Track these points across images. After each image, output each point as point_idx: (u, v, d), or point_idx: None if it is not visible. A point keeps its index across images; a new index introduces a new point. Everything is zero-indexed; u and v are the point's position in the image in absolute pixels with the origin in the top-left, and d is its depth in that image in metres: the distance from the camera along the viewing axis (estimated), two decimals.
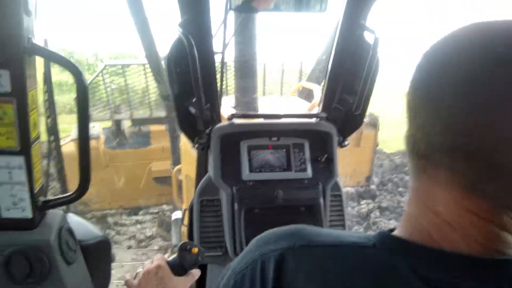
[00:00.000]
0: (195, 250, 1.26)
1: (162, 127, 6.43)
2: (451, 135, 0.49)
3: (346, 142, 1.77)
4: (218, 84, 1.60)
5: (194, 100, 1.49)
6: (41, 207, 1.02)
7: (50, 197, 1.06)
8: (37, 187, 1.01)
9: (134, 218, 6.68)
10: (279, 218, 1.59)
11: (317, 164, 1.69)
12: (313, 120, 1.72)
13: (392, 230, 0.61)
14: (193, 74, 1.36)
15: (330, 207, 1.71)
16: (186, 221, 1.86)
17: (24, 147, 0.95)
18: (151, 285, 1.18)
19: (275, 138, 1.68)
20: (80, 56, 15.11)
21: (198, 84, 1.39)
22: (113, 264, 1.40)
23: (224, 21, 1.55)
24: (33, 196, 0.99)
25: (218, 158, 1.61)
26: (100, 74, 6.23)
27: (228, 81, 5.98)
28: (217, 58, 1.54)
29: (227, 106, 2.75)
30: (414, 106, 0.54)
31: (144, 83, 6.39)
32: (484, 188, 0.49)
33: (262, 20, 2.41)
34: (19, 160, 0.95)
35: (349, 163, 5.77)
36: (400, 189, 7.49)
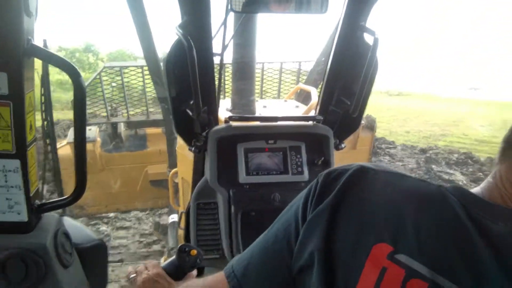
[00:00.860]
0: (194, 252, 1.25)
1: (159, 130, 6.41)
2: None
3: (342, 145, 1.77)
4: (216, 87, 1.59)
5: (191, 103, 1.48)
6: (37, 211, 1.02)
7: (45, 200, 1.05)
8: (32, 190, 1.00)
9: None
10: None
11: (313, 167, 1.69)
12: (310, 123, 1.71)
13: None
14: (191, 76, 1.36)
15: None
16: (182, 224, 1.85)
17: (20, 150, 0.94)
18: None
19: (271, 141, 1.68)
20: (81, 55, 15.09)
21: (196, 86, 1.38)
22: None
23: (224, 22, 1.55)
24: (28, 199, 0.98)
25: (215, 161, 1.60)
26: (98, 76, 6.19)
27: (225, 83, 5.97)
28: (216, 60, 1.54)
29: (224, 109, 2.73)
30: None
31: (141, 85, 6.36)
32: None
33: (262, 20, 2.40)
34: (15, 164, 0.95)
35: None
36: None
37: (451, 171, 8.66)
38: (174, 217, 4.75)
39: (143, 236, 6.24)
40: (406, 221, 0.65)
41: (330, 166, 1.69)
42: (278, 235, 0.84)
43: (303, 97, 4.15)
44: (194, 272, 1.29)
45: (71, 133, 5.91)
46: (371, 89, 1.57)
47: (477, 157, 9.57)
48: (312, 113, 2.09)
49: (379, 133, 9.84)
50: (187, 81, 1.39)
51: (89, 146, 5.55)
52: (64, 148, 5.48)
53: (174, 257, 1.26)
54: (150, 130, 6.60)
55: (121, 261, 5.45)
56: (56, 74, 11.38)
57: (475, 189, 0.70)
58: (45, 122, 4.07)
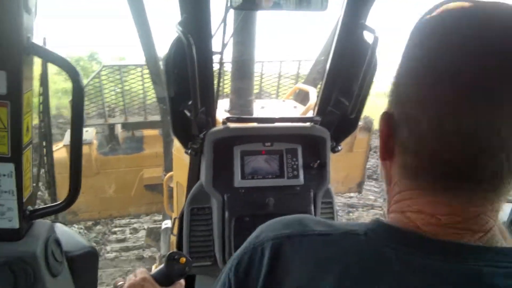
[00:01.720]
0: (183, 260, 1.25)
1: (156, 132, 6.36)
2: None
3: (339, 147, 1.75)
4: (215, 86, 1.57)
5: (190, 103, 1.46)
6: (28, 217, 0.99)
7: (38, 206, 1.02)
8: (26, 196, 0.97)
9: None
10: None
11: (309, 170, 1.67)
12: (307, 124, 1.69)
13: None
14: (190, 74, 1.34)
15: (321, 214, 1.69)
16: (175, 231, 1.82)
17: (15, 153, 0.91)
18: None
19: (268, 143, 1.65)
20: (85, 63, 15.01)
21: (195, 86, 1.36)
22: None
23: (224, 19, 1.53)
24: (21, 205, 0.94)
25: (211, 164, 1.58)
26: (97, 76, 6.14)
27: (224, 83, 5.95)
28: (215, 59, 1.52)
29: (222, 110, 2.71)
30: None
31: (141, 86, 6.31)
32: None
33: (262, 18, 2.39)
34: (9, 167, 0.91)
35: (341, 169, 5.72)
36: None
37: None
38: (167, 223, 4.71)
39: None
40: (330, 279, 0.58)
41: (326, 169, 1.67)
42: None
43: (302, 97, 4.14)
44: (182, 280, 1.28)
45: (67, 135, 5.85)
46: (369, 90, 1.55)
47: None
48: (310, 114, 2.07)
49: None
50: (186, 81, 1.37)
51: (84, 149, 5.49)
52: (60, 151, 5.42)
53: (163, 265, 1.26)
54: (147, 132, 6.55)
55: None
56: (62, 82, 11.34)
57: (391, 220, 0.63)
58: (42, 123, 4.01)
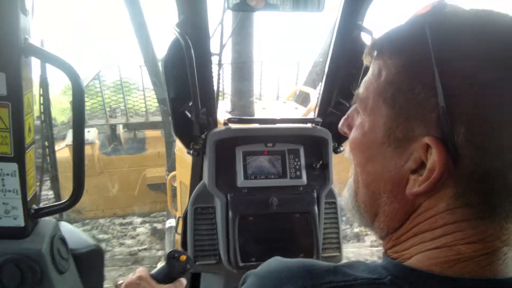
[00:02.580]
0: (183, 257, 1.25)
1: (158, 132, 6.38)
2: None
3: (341, 148, 1.76)
4: (215, 87, 1.58)
5: (190, 104, 1.47)
6: (33, 215, 1.00)
7: (42, 205, 1.04)
8: (30, 195, 0.99)
9: None
10: (273, 226, 1.58)
11: (312, 170, 1.68)
12: (309, 125, 1.70)
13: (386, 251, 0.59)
14: (190, 76, 1.35)
15: (324, 214, 1.69)
16: (180, 229, 1.84)
17: (18, 153, 0.92)
18: None
19: (270, 144, 1.66)
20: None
21: (194, 87, 1.37)
22: None
23: (222, 21, 1.54)
24: (25, 204, 0.96)
25: (213, 164, 1.59)
26: (97, 76, 6.17)
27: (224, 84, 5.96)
28: (214, 60, 1.53)
29: (223, 111, 2.73)
30: None
31: (141, 87, 6.35)
32: None
33: (260, 19, 2.41)
34: (13, 167, 0.93)
35: (343, 169, 5.70)
36: None
37: None
38: (171, 222, 4.72)
39: None
40: None
41: (328, 169, 1.68)
42: None
43: (302, 98, 4.16)
44: (183, 279, 1.29)
45: (69, 135, 5.87)
46: None
47: None
48: (311, 115, 2.08)
49: None
50: (186, 82, 1.37)
51: (87, 149, 5.52)
52: (63, 150, 5.45)
53: (164, 263, 1.26)
54: (149, 133, 6.58)
55: None
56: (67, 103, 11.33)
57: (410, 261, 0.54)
58: (43, 124, 4.04)
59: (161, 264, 1.28)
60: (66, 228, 1.16)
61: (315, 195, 1.64)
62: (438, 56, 0.48)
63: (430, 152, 0.49)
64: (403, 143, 0.52)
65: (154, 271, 1.26)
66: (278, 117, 1.71)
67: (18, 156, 0.93)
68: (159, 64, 4.25)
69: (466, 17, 0.51)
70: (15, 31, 0.84)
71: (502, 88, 0.46)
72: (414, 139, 0.51)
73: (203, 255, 1.65)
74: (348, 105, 1.63)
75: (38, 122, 3.91)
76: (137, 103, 6.52)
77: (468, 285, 0.48)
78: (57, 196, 4.25)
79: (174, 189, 4.32)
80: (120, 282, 1.21)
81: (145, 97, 6.44)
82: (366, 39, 1.52)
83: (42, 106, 3.95)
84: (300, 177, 1.65)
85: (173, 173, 4.22)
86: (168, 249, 4.88)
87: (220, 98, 1.87)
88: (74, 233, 1.18)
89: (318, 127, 1.68)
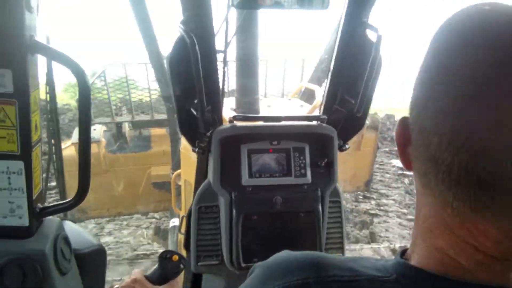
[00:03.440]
0: (176, 257, 1.26)
1: (163, 130, 6.38)
2: None
3: (346, 146, 1.75)
4: (220, 85, 1.58)
5: (196, 101, 1.47)
6: (38, 215, 1.00)
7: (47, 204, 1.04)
8: (35, 193, 0.99)
9: None
10: (277, 225, 1.57)
11: (316, 168, 1.67)
12: (314, 123, 1.69)
13: (404, 251, 0.58)
14: (195, 73, 1.34)
15: (328, 213, 1.69)
16: (183, 229, 1.83)
17: (25, 151, 0.92)
18: None
19: (275, 142, 1.65)
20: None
21: (200, 84, 1.37)
22: None
23: (226, 18, 1.53)
24: (31, 203, 0.96)
25: (218, 162, 1.58)
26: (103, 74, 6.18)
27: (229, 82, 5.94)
28: (219, 58, 1.53)
29: (229, 108, 2.72)
30: None
31: (146, 84, 6.36)
32: None
33: (265, 16, 2.40)
34: (19, 165, 0.93)
35: (348, 167, 5.70)
36: None
37: None
38: (175, 221, 4.70)
39: None
40: None
41: (333, 167, 1.67)
42: None
43: (307, 95, 4.14)
44: (178, 278, 1.29)
45: (75, 134, 5.88)
46: (375, 88, 1.55)
47: None
48: (316, 112, 2.07)
49: None
50: (191, 79, 1.37)
51: (93, 147, 5.53)
52: (69, 148, 5.46)
53: (157, 265, 1.27)
54: (154, 131, 6.57)
55: None
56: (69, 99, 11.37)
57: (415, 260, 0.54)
58: (50, 122, 4.04)
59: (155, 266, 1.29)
60: (70, 227, 1.16)
61: (319, 193, 1.63)
62: None
63: None
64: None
65: (149, 273, 1.26)
66: (283, 114, 1.70)
67: (25, 154, 0.92)
68: (164, 61, 4.25)
69: None
70: (21, 29, 0.84)
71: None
72: None
73: (206, 255, 1.64)
74: (353, 102, 1.61)
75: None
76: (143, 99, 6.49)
77: None
78: (63, 195, 4.26)
79: (178, 188, 4.32)
80: (116, 286, 1.22)
81: (151, 95, 6.44)
82: (372, 36, 1.51)
83: (48, 104, 3.95)
84: (305, 175, 1.64)
85: (178, 171, 4.21)
86: (171, 249, 4.88)
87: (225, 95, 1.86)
88: (77, 232, 1.18)
89: (324, 124, 1.67)
